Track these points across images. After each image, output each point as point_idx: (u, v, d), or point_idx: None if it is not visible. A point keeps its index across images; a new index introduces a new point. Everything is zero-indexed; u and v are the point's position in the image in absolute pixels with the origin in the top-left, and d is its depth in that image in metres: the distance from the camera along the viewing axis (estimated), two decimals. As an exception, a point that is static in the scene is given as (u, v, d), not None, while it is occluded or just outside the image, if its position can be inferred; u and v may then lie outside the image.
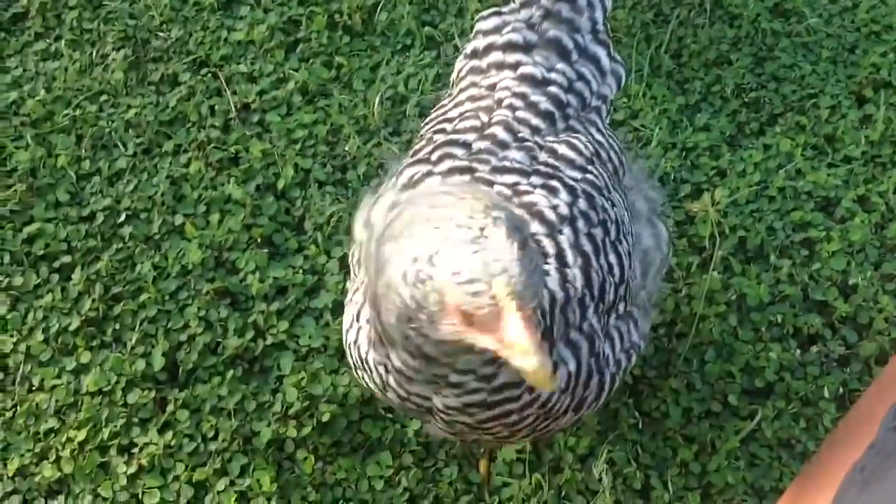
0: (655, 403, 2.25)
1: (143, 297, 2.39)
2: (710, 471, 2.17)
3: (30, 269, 2.46)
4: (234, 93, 2.77)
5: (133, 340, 2.33)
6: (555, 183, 1.61)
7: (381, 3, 2.94)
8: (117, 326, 2.37)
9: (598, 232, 1.60)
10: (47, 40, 2.92)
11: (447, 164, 1.64)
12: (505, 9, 1.86)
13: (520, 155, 1.64)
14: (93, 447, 2.20)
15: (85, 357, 2.31)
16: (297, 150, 2.66)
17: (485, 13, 1.87)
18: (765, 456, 2.20)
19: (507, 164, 1.62)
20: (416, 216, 1.19)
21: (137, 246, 2.49)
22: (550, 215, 1.57)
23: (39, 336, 2.34)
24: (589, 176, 1.67)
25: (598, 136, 1.79)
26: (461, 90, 1.84)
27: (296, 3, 2.97)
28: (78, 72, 2.83)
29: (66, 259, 2.46)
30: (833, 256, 2.47)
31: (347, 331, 1.62)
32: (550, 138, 1.71)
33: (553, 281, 1.53)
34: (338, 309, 2.33)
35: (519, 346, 1.14)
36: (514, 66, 1.78)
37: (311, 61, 2.85)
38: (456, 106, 1.80)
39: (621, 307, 1.68)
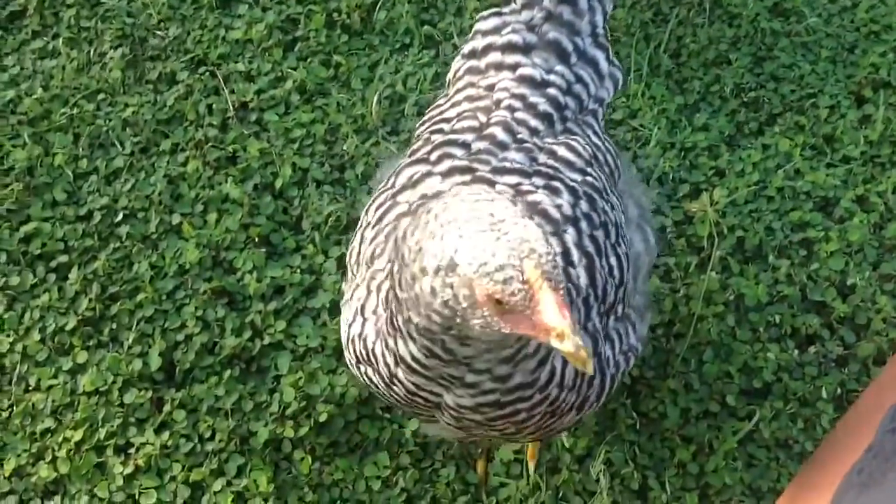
0: (653, 404, 2.25)
1: (140, 296, 2.38)
2: (708, 471, 2.17)
3: (26, 268, 2.46)
4: (232, 92, 2.77)
5: (130, 340, 2.32)
6: (556, 184, 1.61)
7: (379, 2, 2.93)
8: (114, 326, 2.36)
9: (599, 234, 1.61)
10: (45, 38, 2.91)
11: (447, 163, 1.63)
12: (505, 9, 1.85)
13: (519, 156, 1.64)
14: (89, 447, 2.19)
15: (81, 357, 2.31)
16: (295, 149, 2.65)
17: (485, 13, 1.86)
18: (762, 456, 2.20)
19: (507, 164, 1.62)
20: (437, 219, 1.19)
21: (135, 245, 2.48)
22: (555, 213, 1.57)
23: (36, 336, 2.34)
24: (589, 178, 1.67)
25: (595, 139, 1.79)
26: (458, 90, 1.83)
27: (294, 2, 2.96)
28: (75, 70, 2.82)
29: (63, 258, 2.46)
30: (831, 257, 2.46)
31: (350, 325, 1.59)
32: (549, 140, 1.70)
33: None
34: (335, 309, 2.32)
35: (558, 328, 1.13)
36: (513, 67, 1.77)
37: (309, 60, 2.85)
38: (453, 106, 1.79)
39: (619, 309, 1.68)
